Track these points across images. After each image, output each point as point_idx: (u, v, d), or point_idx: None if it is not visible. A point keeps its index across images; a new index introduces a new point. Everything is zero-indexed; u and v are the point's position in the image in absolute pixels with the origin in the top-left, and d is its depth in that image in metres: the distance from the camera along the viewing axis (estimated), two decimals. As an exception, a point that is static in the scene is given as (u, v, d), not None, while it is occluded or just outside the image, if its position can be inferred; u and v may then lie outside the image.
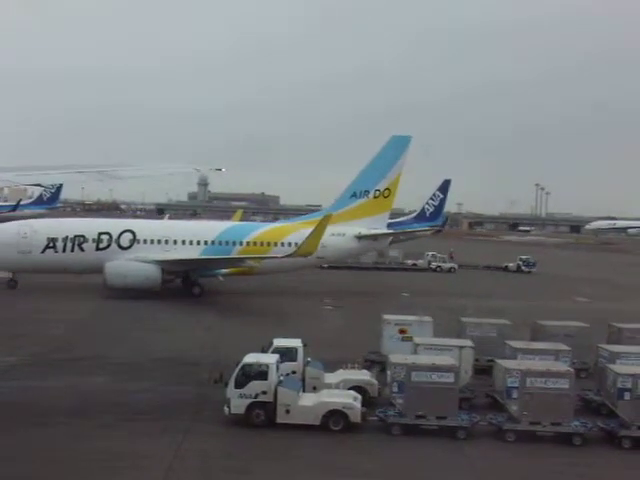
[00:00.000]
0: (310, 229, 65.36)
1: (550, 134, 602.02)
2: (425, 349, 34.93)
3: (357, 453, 28.22)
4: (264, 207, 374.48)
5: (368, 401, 32.32)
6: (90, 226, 71.79)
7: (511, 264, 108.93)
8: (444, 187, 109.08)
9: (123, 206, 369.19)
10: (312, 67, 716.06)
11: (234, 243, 71.74)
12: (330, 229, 68.39)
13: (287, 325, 50.95)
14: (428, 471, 26.94)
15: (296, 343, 35.12)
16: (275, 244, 72.09)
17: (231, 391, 30.40)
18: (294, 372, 33.54)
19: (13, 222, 72.30)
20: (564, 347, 36.71)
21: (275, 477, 25.75)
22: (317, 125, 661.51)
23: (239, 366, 30.84)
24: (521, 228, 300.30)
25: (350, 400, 30.66)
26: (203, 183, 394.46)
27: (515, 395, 30.63)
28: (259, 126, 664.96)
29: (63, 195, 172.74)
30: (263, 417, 30.11)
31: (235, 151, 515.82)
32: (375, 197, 75.31)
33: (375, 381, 34.13)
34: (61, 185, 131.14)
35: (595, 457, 29.04)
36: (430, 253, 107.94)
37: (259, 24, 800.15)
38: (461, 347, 35.23)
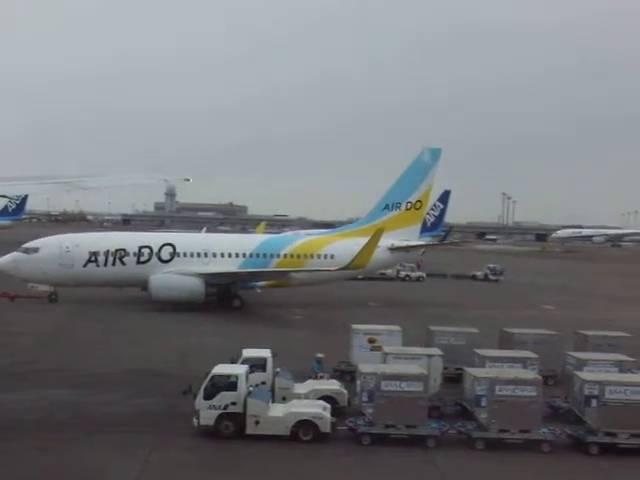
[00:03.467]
0: (343, 241, 71.15)
1: (516, 143, 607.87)
2: (394, 358, 34.95)
3: (327, 464, 28.07)
4: (232, 217, 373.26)
5: (338, 411, 32.19)
6: (131, 240, 72.14)
7: (479, 273, 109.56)
8: (444, 197, 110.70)
9: (90, 217, 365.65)
10: (279, 74, 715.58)
11: (272, 255, 72.28)
12: (364, 241, 69.31)
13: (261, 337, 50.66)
14: (399, 481, 26.85)
15: (265, 353, 34.99)
16: (312, 256, 72.82)
17: (200, 402, 30.15)
18: (263, 382, 33.38)
19: (54, 236, 72.47)
20: (532, 355, 36.95)
21: (245, 489, 25.58)
22: (285, 133, 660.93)
23: (208, 377, 30.63)
24: (488, 237, 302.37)
25: (320, 410, 30.53)
26: (170, 193, 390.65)
27: (484, 403, 30.72)
28: (229, 133, 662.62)
29: (28, 206, 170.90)
30: (232, 428, 29.87)
31: (203, 160, 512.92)
32: (407, 209, 75.92)
33: (344, 391, 34.06)
34: (26, 196, 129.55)
35: (563, 464, 29.14)
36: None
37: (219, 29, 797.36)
38: (430, 356, 35.32)
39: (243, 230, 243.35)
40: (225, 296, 69.32)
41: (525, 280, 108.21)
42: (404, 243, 76.03)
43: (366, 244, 64.65)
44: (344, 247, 71.77)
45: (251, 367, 32.86)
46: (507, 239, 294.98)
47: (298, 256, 72.79)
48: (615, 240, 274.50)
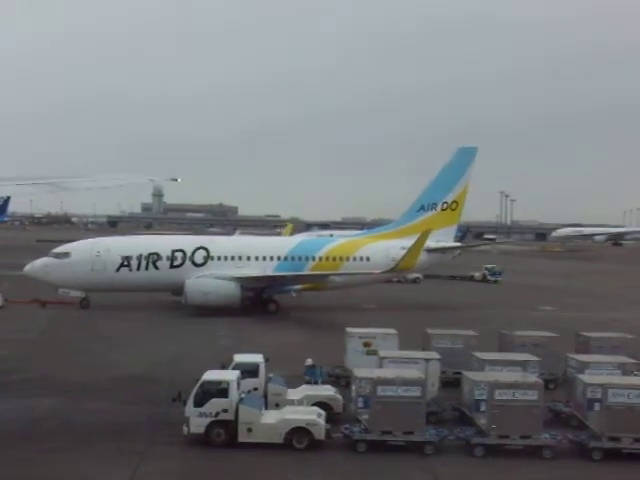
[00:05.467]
0: (378, 243, 71.93)
1: (514, 141, 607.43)
2: (390, 362, 34.17)
3: (322, 472, 27.32)
4: (222, 218, 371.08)
5: (333, 417, 31.43)
6: (163, 244, 71.63)
7: (477, 273, 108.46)
8: None
9: (74, 219, 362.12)
10: (265, 67, 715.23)
11: (306, 258, 71.69)
12: (400, 243, 69.26)
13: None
14: (395, 489, 26.10)
15: (257, 359, 34.14)
16: (347, 259, 72.21)
17: (190, 410, 29.34)
18: (256, 389, 32.59)
19: (86, 240, 72.23)
20: (532, 358, 36.23)
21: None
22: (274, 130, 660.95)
23: (198, 383, 29.82)
24: (486, 236, 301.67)
25: (314, 417, 29.71)
26: (158, 194, 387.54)
27: (483, 408, 29.94)
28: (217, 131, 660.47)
29: (11, 208, 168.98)
30: (224, 436, 29.10)
31: (192, 160, 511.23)
32: (443, 210, 75.27)
33: (339, 396, 33.25)
34: (9, 198, 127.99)
35: (566, 470, 28.40)
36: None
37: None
38: (427, 360, 34.54)
39: (234, 231, 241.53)
40: (260, 300, 68.74)
41: (524, 281, 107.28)
42: (440, 244, 74.91)
43: (413, 245, 64.55)
44: (379, 249, 72.17)
45: (243, 373, 32.01)
46: (506, 238, 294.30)
47: (333, 259, 72.23)
48: (616, 239, 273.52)
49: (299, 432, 29.04)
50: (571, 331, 43.67)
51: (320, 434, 29.14)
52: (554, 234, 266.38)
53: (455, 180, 75.24)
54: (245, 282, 66.63)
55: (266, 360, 34.16)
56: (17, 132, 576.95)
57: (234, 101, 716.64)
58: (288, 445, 28.84)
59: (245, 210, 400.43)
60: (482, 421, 29.88)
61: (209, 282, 65.71)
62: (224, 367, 33.02)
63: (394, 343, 38.67)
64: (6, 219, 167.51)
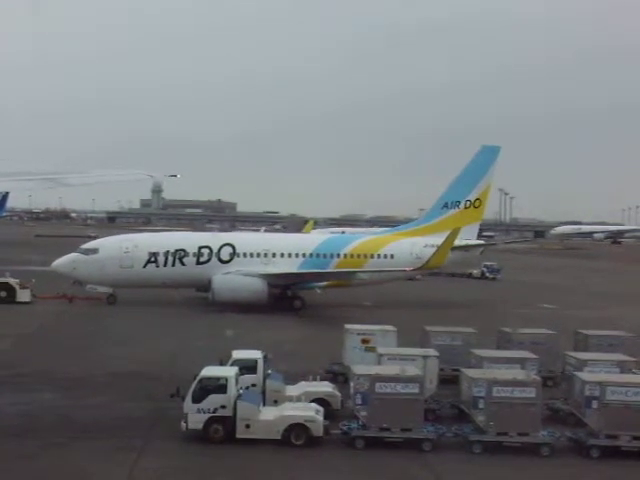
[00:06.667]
0: (402, 240, 72.93)
1: (511, 137, 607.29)
2: (389, 359, 34.07)
3: (320, 469, 27.26)
4: (220, 214, 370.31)
5: (331, 414, 31.35)
6: (190, 240, 72.11)
7: (475, 271, 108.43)
8: None
9: (73, 214, 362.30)
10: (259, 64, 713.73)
11: (332, 255, 71.96)
12: (424, 240, 69.99)
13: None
14: (393, 486, 26.08)
15: (256, 355, 34.04)
16: (372, 256, 72.57)
17: (188, 406, 29.27)
18: (254, 385, 32.48)
19: (113, 237, 72.63)
20: (530, 355, 36.20)
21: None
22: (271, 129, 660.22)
23: (196, 379, 29.78)
24: (484, 234, 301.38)
25: (312, 413, 29.64)
26: (157, 190, 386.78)
27: (481, 405, 29.90)
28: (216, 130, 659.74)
29: (10, 203, 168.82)
30: (222, 432, 29.01)
31: (190, 156, 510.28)
32: (466, 208, 75.50)
33: (338, 393, 33.20)
34: (7, 193, 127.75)
35: (563, 468, 28.34)
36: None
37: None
38: (426, 357, 34.44)
39: (233, 228, 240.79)
40: (285, 297, 68.80)
41: (523, 278, 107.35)
42: (463, 242, 74.59)
43: (443, 243, 64.93)
44: (403, 246, 72.81)
45: (241, 369, 31.95)
46: (505, 236, 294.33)
47: (358, 256, 72.51)
48: (615, 237, 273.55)
49: (297, 428, 28.95)
50: (570, 329, 43.68)
51: (318, 431, 29.06)
52: (553, 232, 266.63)
53: (478, 178, 75.50)
54: (272, 279, 66.77)
55: (265, 356, 34.07)
56: (15, 126, 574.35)
57: (233, 98, 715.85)
58: (286, 441, 28.76)
59: (244, 206, 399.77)
60: (480, 418, 29.83)
61: (237, 279, 65.93)
62: (222, 363, 32.94)
63: (393, 340, 38.53)
64: (5, 214, 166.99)
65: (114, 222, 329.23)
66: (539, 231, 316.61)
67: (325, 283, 70.21)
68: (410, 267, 67.32)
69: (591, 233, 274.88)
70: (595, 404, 29.93)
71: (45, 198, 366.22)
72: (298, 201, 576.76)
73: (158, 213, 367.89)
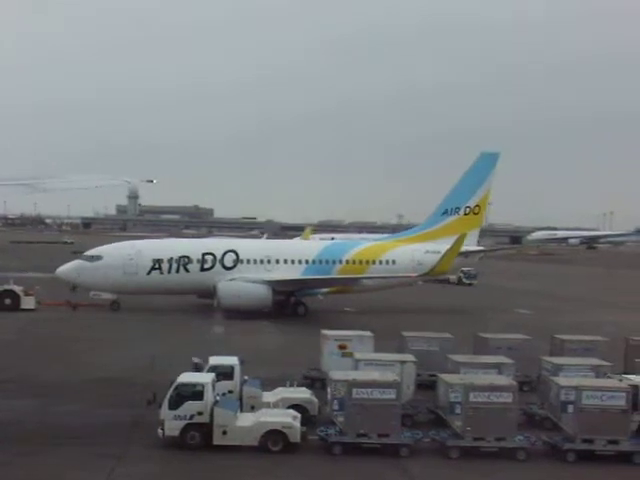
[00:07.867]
0: (403, 246, 73.15)
1: (489, 143, 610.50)
2: (366, 365, 34.09)
3: (297, 475, 27.23)
4: (197, 220, 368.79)
5: (308, 420, 31.31)
6: (193, 247, 72.15)
7: (452, 276, 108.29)
8: None
9: (48, 220, 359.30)
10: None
11: (334, 262, 72.05)
12: (424, 246, 69.90)
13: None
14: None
15: (232, 361, 33.91)
16: (373, 262, 72.75)
17: (165, 412, 29.13)
18: (231, 391, 32.37)
19: (116, 243, 72.58)
20: (507, 360, 36.27)
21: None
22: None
23: (173, 386, 29.62)
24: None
25: (289, 419, 29.60)
26: (133, 196, 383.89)
27: (458, 410, 29.98)
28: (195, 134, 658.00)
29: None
30: (199, 439, 28.90)
31: (167, 162, 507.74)
32: (465, 214, 75.77)
33: (315, 399, 33.13)
34: None
35: (540, 472, 28.55)
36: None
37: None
38: (403, 362, 34.51)
39: (210, 234, 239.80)
40: (288, 303, 68.80)
41: (500, 283, 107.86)
42: (463, 248, 73.69)
43: (449, 249, 65.08)
44: (404, 252, 73.12)
45: (218, 375, 31.82)
46: (480, 241, 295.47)
47: (360, 262, 72.69)
48: (590, 242, 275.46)
49: (274, 435, 28.87)
50: (546, 334, 43.93)
51: (295, 437, 28.99)
52: (529, 237, 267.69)
53: (478, 184, 75.84)
54: (276, 285, 66.76)
55: (241, 362, 33.95)
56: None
57: (210, 103, 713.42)
58: (263, 448, 28.68)
59: (221, 212, 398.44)
60: (457, 423, 29.93)
61: (241, 285, 65.92)
62: (197, 369, 32.76)
63: (369, 345, 38.52)
64: None
65: (89, 228, 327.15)
66: (515, 237, 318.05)
67: (326, 289, 70.63)
68: (415, 274, 67.48)
69: (566, 239, 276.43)
70: (571, 408, 30.15)
71: (20, 204, 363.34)
72: (276, 207, 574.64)
73: (134, 219, 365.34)
